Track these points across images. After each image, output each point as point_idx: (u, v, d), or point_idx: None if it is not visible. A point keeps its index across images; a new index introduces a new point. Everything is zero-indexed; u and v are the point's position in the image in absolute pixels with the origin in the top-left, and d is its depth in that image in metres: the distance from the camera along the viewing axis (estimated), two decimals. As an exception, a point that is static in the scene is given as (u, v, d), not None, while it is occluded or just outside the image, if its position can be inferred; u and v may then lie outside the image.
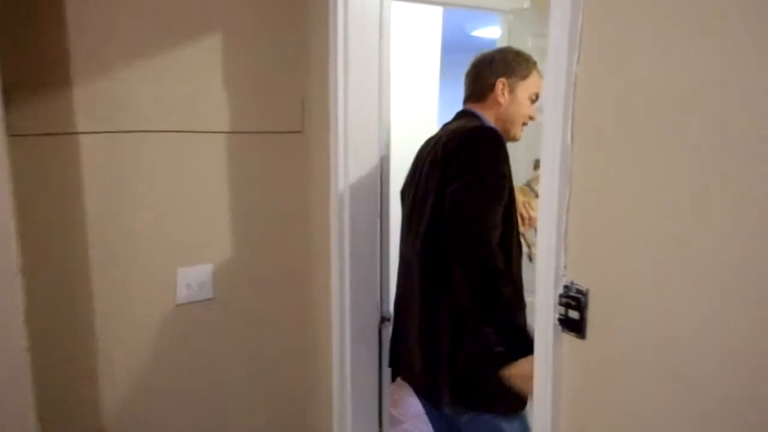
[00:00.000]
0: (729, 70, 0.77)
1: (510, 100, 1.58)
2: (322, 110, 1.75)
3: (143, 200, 1.63)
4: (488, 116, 1.58)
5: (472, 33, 5.80)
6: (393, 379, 1.76)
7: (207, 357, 1.79)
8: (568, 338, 1.06)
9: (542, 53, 2.31)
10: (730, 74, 0.77)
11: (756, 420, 0.76)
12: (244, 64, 1.74)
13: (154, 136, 1.62)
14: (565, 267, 1.06)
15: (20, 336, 1.17)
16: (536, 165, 2.11)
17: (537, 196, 1.71)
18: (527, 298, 1.38)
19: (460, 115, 1.61)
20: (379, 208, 1.76)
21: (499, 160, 1.38)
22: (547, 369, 1.08)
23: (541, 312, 1.10)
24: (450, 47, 3.98)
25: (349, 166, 1.68)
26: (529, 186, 1.97)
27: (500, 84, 1.57)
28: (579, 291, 1.03)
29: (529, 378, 1.10)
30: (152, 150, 1.63)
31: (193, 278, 1.73)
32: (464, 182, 1.35)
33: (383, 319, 1.81)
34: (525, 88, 1.59)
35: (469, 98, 1.63)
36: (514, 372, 1.29)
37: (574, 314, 1.04)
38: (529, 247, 1.86)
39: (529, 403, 1.36)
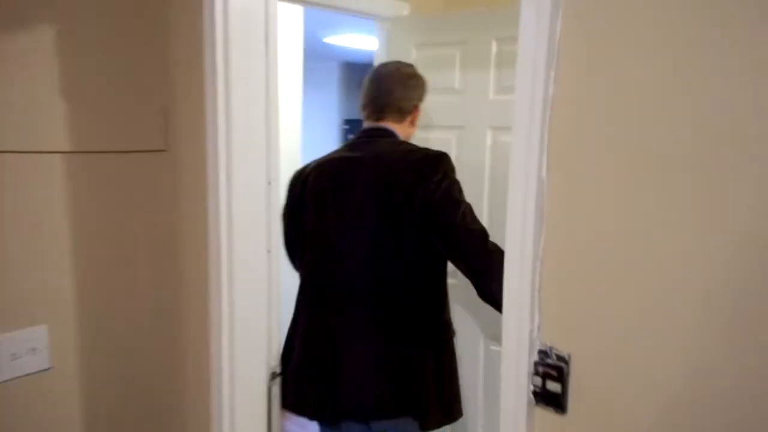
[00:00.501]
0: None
1: (417, 122, 1.69)
2: (194, 124, 1.42)
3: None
4: (400, 135, 1.62)
5: (324, 40, 5.61)
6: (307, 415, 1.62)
7: (42, 445, 1.36)
8: (544, 414, 0.88)
9: (429, 66, 2.18)
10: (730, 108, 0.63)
11: None
12: (84, 64, 1.36)
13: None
14: (539, 328, 0.88)
15: None
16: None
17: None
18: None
19: (380, 133, 1.60)
20: (267, 241, 1.47)
21: None
22: (522, 455, 0.89)
23: (509, 383, 0.91)
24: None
25: (232, 193, 1.37)
26: None
27: (419, 107, 1.66)
28: (559, 357, 0.85)
29: None
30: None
31: (20, 346, 1.30)
32: (459, 213, 1.51)
33: (273, 376, 1.52)
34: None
35: (389, 114, 1.60)
36: None
37: (553, 386, 0.85)
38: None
39: None
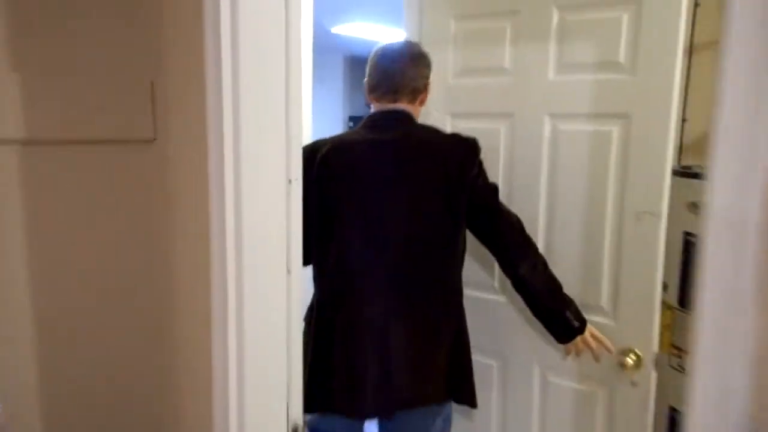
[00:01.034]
0: None
1: (425, 101, 1.62)
2: (190, 104, 1.08)
3: None
4: (414, 116, 1.57)
5: (332, 29, 5.27)
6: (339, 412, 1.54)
7: None
8: None
9: (472, 42, 1.84)
10: None
11: None
12: (30, 20, 1.01)
13: None
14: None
15: None
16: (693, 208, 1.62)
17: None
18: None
19: (399, 115, 1.54)
20: (288, 259, 1.12)
21: None
22: None
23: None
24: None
25: (242, 196, 1.02)
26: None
27: (428, 87, 1.60)
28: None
29: (597, 331, 1.58)
30: None
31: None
32: (496, 196, 1.56)
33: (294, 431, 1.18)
34: None
35: (402, 96, 1.53)
36: (588, 334, 1.57)
37: None
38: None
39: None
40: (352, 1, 4.46)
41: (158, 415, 1.23)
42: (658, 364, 1.57)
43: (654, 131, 1.50)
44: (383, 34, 5.52)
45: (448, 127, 1.88)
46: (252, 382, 1.09)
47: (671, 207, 1.50)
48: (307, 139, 2.83)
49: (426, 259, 1.51)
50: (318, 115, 7.06)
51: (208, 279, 1.05)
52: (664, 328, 1.65)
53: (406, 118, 1.54)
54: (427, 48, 1.89)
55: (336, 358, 1.50)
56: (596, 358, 1.60)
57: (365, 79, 1.61)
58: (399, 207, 1.49)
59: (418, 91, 1.56)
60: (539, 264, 1.56)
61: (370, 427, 1.66)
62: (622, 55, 1.54)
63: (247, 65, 0.99)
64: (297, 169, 1.12)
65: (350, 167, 1.50)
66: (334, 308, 1.52)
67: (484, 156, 1.55)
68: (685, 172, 1.65)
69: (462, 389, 1.60)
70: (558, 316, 1.54)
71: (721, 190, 0.53)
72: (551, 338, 1.61)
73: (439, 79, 1.89)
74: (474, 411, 1.85)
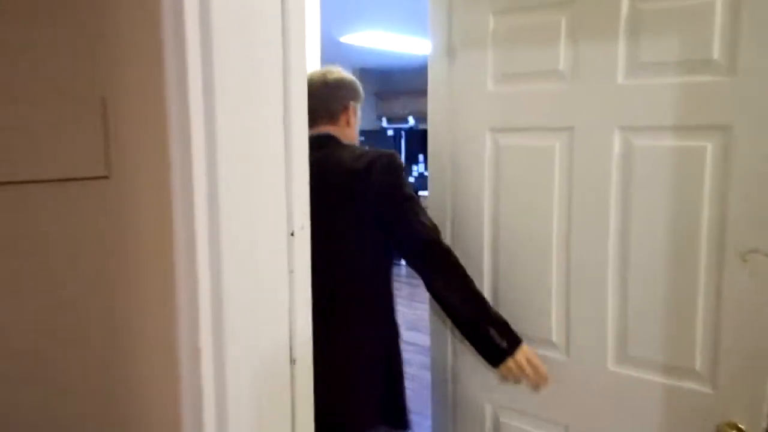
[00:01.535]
0: None
1: (354, 123, 1.67)
2: (151, 130, 0.75)
3: None
4: (339, 137, 1.61)
5: (341, 39, 4.98)
6: None
7: None
8: None
9: (516, 40, 1.50)
10: None
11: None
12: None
13: None
14: None
15: None
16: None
17: None
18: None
19: (326, 139, 1.59)
20: (290, 346, 0.79)
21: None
22: None
23: None
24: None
25: (221, 262, 0.70)
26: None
27: (352, 107, 1.65)
28: None
29: (535, 356, 1.43)
30: None
31: None
32: (408, 207, 1.48)
33: None
34: (359, 114, 1.70)
35: (319, 118, 1.60)
36: (519, 357, 1.41)
37: None
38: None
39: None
40: (362, 8, 4.17)
41: None
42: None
43: (763, 145, 1.16)
44: (396, 43, 5.22)
45: (487, 144, 1.55)
46: None
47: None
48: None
49: (345, 280, 1.54)
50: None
51: (177, 389, 0.72)
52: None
53: (327, 140, 1.59)
54: (459, 51, 1.58)
55: None
56: (533, 386, 1.49)
57: None
58: (331, 236, 1.49)
59: (336, 112, 1.62)
60: (457, 278, 1.46)
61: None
62: (716, 51, 1.20)
63: (225, 82, 0.67)
64: (302, 216, 0.79)
65: None
66: None
67: (533, 181, 1.27)
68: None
69: (394, 411, 1.58)
70: (481, 334, 1.43)
71: None
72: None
73: (474, 87, 1.56)
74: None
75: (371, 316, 1.57)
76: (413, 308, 5.44)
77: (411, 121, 7.02)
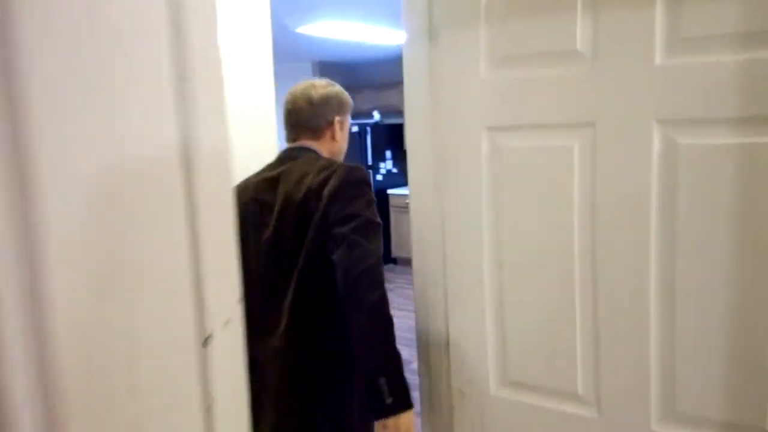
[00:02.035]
0: None
1: (341, 136, 1.63)
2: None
3: None
4: (323, 151, 1.58)
5: (297, 30, 4.60)
6: None
7: None
8: None
9: (517, 14, 1.17)
10: None
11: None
12: None
13: None
14: None
15: None
16: None
17: None
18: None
19: (300, 151, 1.57)
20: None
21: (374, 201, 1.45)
22: None
23: None
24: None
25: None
26: None
27: (337, 122, 1.60)
28: None
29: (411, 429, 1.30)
30: None
31: None
32: (357, 226, 1.36)
33: None
34: (348, 124, 1.66)
35: (302, 133, 1.59)
36: (401, 421, 1.29)
37: None
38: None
39: None
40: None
41: None
42: None
43: None
44: (357, 33, 4.87)
45: (483, 145, 1.24)
46: None
47: None
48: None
49: (292, 297, 1.44)
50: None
51: None
52: None
53: (300, 152, 1.56)
54: (443, 32, 1.28)
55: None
56: None
57: None
58: (263, 247, 1.48)
59: (320, 128, 1.59)
60: (369, 305, 1.31)
61: None
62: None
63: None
64: (233, 307, 0.46)
65: (242, 208, 1.52)
66: None
67: (545, 190, 0.98)
68: None
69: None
70: (371, 379, 1.29)
71: None
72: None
73: (463, 74, 1.25)
74: None
75: (329, 347, 1.45)
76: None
77: (376, 116, 6.68)
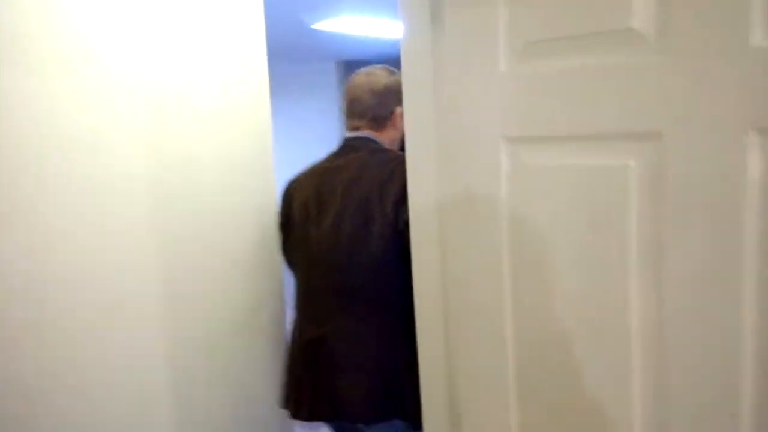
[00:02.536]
0: None
1: (401, 125, 1.63)
2: None
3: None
4: (384, 141, 1.65)
5: (313, 26, 4.32)
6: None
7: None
8: None
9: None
10: None
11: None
12: None
13: None
14: None
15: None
16: None
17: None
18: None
19: (360, 141, 1.63)
20: None
21: None
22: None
23: None
24: (282, 49, 2.47)
25: None
26: None
27: (399, 113, 1.64)
28: None
29: None
30: None
31: None
32: None
33: None
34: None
35: (364, 123, 1.64)
36: None
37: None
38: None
39: None
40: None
41: None
42: None
43: None
44: (382, 28, 4.56)
45: (502, 161, 0.93)
46: None
47: None
48: (268, 159, 2.07)
49: (364, 282, 1.54)
50: (308, 129, 6.16)
51: None
52: None
53: (365, 144, 1.62)
54: (450, 16, 0.99)
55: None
56: None
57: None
58: (338, 231, 1.54)
59: (381, 118, 1.63)
60: None
61: None
62: None
63: None
64: None
65: (305, 196, 1.62)
66: (297, 321, 1.69)
67: (586, 221, 0.76)
68: None
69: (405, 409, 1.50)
70: None
71: None
72: None
73: (477, 68, 0.95)
74: None
75: (399, 309, 1.48)
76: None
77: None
